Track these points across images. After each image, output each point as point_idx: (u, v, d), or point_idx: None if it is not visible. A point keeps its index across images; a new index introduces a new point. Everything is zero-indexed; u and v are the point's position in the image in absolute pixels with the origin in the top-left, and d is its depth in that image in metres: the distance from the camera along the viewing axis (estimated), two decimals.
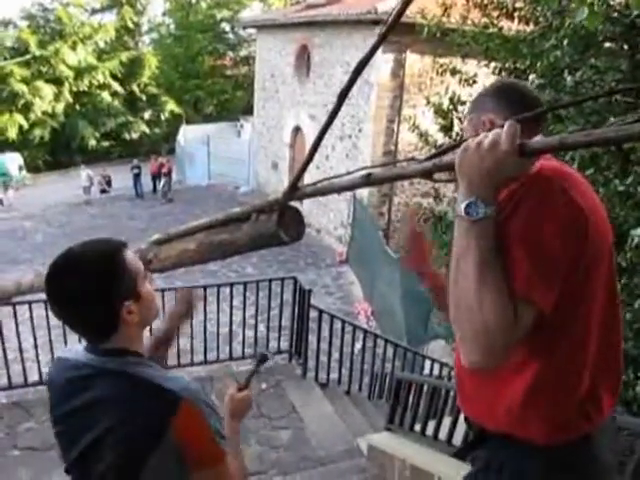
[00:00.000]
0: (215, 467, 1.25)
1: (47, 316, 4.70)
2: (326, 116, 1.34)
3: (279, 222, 1.54)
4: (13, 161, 22.83)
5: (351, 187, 1.40)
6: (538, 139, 1.03)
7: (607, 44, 4.85)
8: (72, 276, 1.25)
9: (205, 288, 5.43)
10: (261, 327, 5.97)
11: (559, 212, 1.11)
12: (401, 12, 1.09)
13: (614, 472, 1.38)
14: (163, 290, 4.93)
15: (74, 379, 1.30)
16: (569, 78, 4.40)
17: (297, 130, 16.14)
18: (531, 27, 5.60)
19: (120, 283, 1.27)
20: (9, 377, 4.81)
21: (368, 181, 1.33)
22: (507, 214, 1.12)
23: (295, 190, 1.50)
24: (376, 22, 11.62)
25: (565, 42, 4.56)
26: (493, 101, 1.34)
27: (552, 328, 1.20)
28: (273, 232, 1.55)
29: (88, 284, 1.24)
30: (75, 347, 1.39)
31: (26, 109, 25.07)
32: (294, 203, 1.59)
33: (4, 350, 4.67)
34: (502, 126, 1.04)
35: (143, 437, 1.19)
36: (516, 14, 5.78)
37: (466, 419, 1.49)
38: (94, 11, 29.97)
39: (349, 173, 1.44)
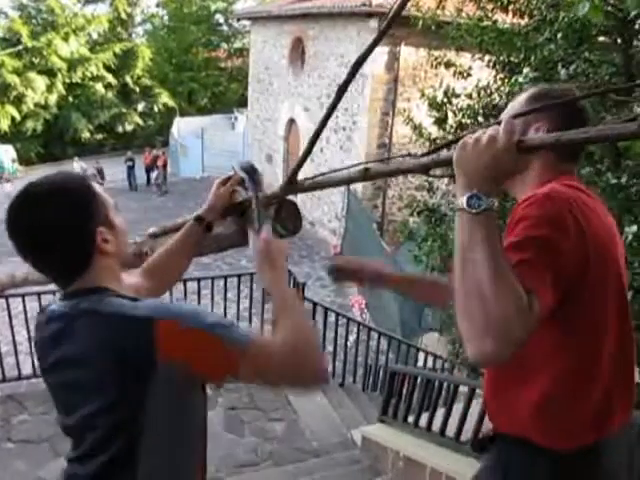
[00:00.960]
0: (239, 366, 1.11)
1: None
2: (321, 109, 1.34)
3: (276, 216, 1.54)
4: (7, 153, 22.68)
5: (348, 181, 1.41)
6: (535, 135, 1.04)
7: (601, 38, 4.86)
8: (40, 204, 1.16)
9: (199, 280, 5.44)
10: (255, 320, 5.98)
11: (569, 228, 1.13)
12: (402, 7, 1.09)
13: None
14: None
15: (50, 329, 1.20)
16: (563, 71, 4.42)
17: (291, 122, 16.10)
18: (525, 20, 5.62)
19: (92, 207, 1.20)
20: (2, 370, 4.81)
21: (365, 176, 1.33)
22: (515, 227, 1.13)
23: (292, 184, 1.50)
24: (370, 15, 11.60)
25: (559, 35, 4.58)
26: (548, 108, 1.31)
27: (563, 340, 1.23)
28: (270, 226, 1.55)
29: (59, 210, 1.15)
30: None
31: (18, 101, 24.87)
32: (290, 196, 1.60)
33: None
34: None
35: (132, 374, 1.09)
36: (510, 7, 5.79)
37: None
38: (87, 2, 29.75)
39: (346, 168, 1.45)
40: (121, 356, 1.09)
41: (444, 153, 1.18)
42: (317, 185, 1.48)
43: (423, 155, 1.24)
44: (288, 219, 1.58)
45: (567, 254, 1.12)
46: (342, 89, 1.27)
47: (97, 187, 1.24)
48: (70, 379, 1.17)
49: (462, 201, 1.07)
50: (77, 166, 19.72)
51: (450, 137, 6.56)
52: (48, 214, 1.15)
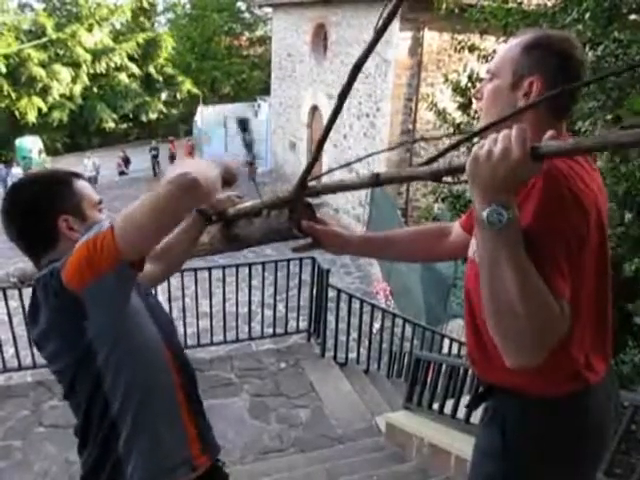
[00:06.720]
0: (114, 237, 1.17)
1: None
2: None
3: (290, 218, 1.53)
4: (34, 144, 23.01)
5: (360, 186, 1.37)
6: (551, 143, 1.00)
7: (632, 16, 4.73)
8: (15, 191, 1.38)
9: (224, 268, 5.48)
10: (280, 307, 6.01)
11: (570, 211, 1.13)
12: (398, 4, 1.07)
13: (609, 424, 1.44)
14: (182, 271, 4.98)
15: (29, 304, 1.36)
16: (590, 53, 4.31)
17: (314, 110, 16.05)
18: (552, 1, 5.48)
19: (58, 196, 1.36)
20: (33, 357, 4.91)
21: (377, 181, 1.30)
22: (520, 213, 1.12)
23: (304, 188, 1.46)
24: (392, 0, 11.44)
25: (587, 15, 4.46)
26: (532, 60, 1.27)
27: None
28: (285, 228, 1.55)
29: (26, 196, 1.36)
30: None
31: (44, 92, 25.16)
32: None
33: (28, 331, 4.76)
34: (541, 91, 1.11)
35: (64, 315, 1.26)
36: None
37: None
38: None
39: (367, 157, 1.42)
40: (53, 304, 1.25)
41: (456, 161, 1.15)
42: (329, 189, 1.45)
43: (430, 160, 1.21)
44: (303, 220, 1.57)
45: (573, 239, 1.14)
46: (344, 92, 1.23)
47: (81, 183, 1.42)
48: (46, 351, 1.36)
49: (483, 217, 1.05)
50: (90, 162, 19.51)
51: (474, 122, 6.48)
52: (18, 199, 1.37)
